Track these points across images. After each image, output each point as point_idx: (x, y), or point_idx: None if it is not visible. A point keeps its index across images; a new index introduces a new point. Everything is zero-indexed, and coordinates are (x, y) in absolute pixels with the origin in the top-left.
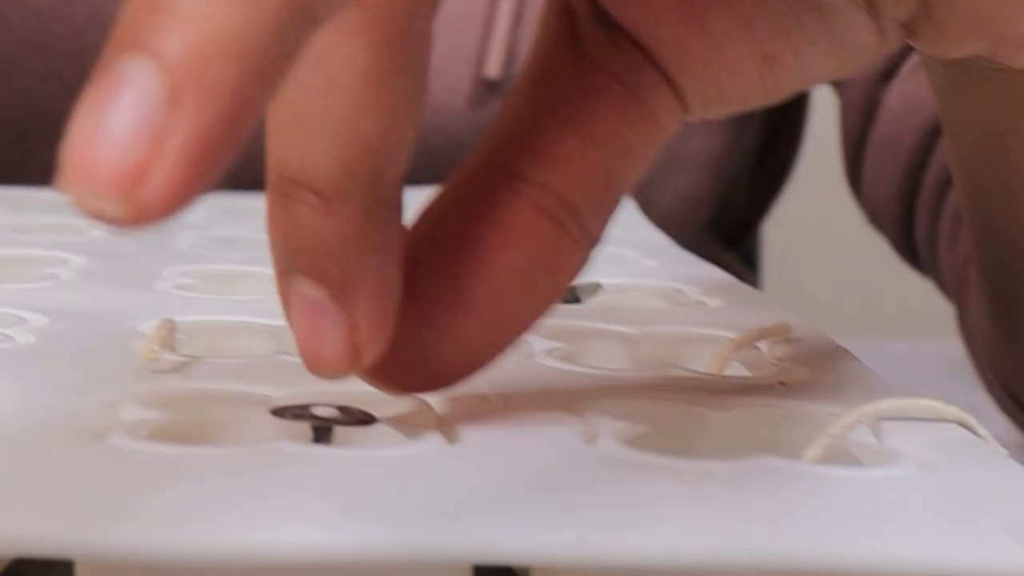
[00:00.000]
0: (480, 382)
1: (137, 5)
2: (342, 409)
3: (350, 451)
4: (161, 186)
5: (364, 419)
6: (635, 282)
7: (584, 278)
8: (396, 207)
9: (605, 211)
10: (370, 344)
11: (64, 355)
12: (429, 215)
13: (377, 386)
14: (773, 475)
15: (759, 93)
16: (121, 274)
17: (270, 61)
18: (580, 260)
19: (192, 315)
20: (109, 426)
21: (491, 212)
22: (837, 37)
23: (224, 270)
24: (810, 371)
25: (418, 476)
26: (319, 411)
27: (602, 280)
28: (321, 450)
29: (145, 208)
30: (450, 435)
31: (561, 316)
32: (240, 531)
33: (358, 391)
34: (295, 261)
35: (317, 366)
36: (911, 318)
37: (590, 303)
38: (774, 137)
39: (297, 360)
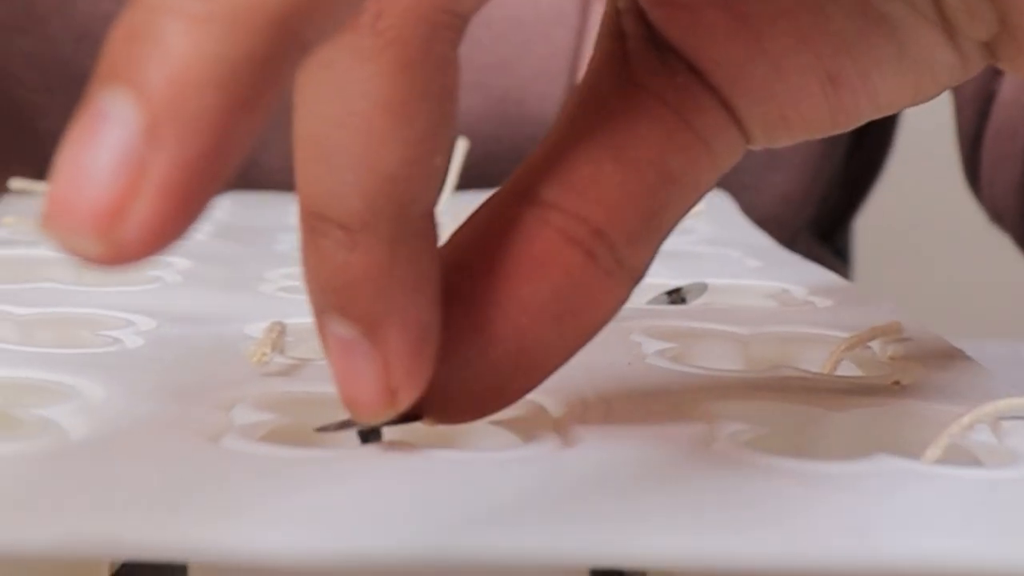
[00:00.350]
0: (585, 386)
1: (120, 35)
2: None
3: (467, 453)
4: (140, 224)
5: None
6: (741, 283)
7: (690, 279)
8: (428, 239)
9: (646, 243)
10: (405, 383)
11: (173, 358)
12: (457, 241)
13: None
14: (894, 476)
15: (825, 118)
16: (225, 277)
17: (255, 90)
18: (617, 294)
19: (298, 317)
20: (223, 429)
21: (517, 241)
22: (909, 58)
23: None
24: (924, 370)
25: (536, 478)
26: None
27: (707, 281)
28: (438, 452)
29: (124, 247)
30: (566, 438)
31: (670, 317)
32: (356, 534)
33: None
34: (327, 298)
35: (354, 407)
36: (1003, 318)
37: (696, 304)
38: (864, 132)
39: None
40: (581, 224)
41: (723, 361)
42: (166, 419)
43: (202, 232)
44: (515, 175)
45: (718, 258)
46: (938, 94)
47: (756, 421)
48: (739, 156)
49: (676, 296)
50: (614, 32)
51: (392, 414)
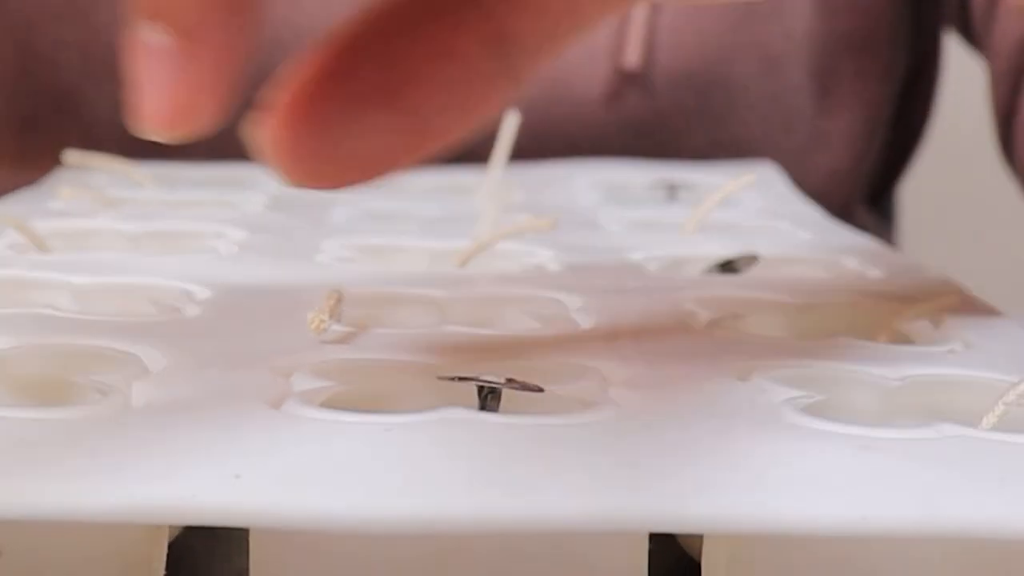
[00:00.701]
0: (637, 354)
1: None
2: (509, 380)
3: (524, 418)
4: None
5: (532, 388)
6: (792, 254)
7: (741, 251)
8: None
9: (539, 59)
10: (204, 101)
11: (232, 326)
12: (375, 6)
13: (287, 173)
14: (953, 443)
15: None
16: (281, 247)
17: None
18: (502, 97)
19: (354, 287)
20: (284, 395)
21: (435, 21)
22: None
23: (381, 243)
24: (978, 339)
25: (593, 445)
26: (488, 379)
27: (758, 253)
28: (494, 417)
29: None
30: (623, 406)
31: (724, 287)
32: (416, 498)
33: (525, 365)
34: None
35: (147, 119)
36: None
37: (748, 274)
38: (907, 99)
39: (461, 331)
40: (494, 27)
41: (777, 330)
42: (227, 386)
43: (255, 203)
44: None
45: (768, 230)
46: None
47: (811, 388)
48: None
49: (728, 267)
50: None
51: (182, 133)
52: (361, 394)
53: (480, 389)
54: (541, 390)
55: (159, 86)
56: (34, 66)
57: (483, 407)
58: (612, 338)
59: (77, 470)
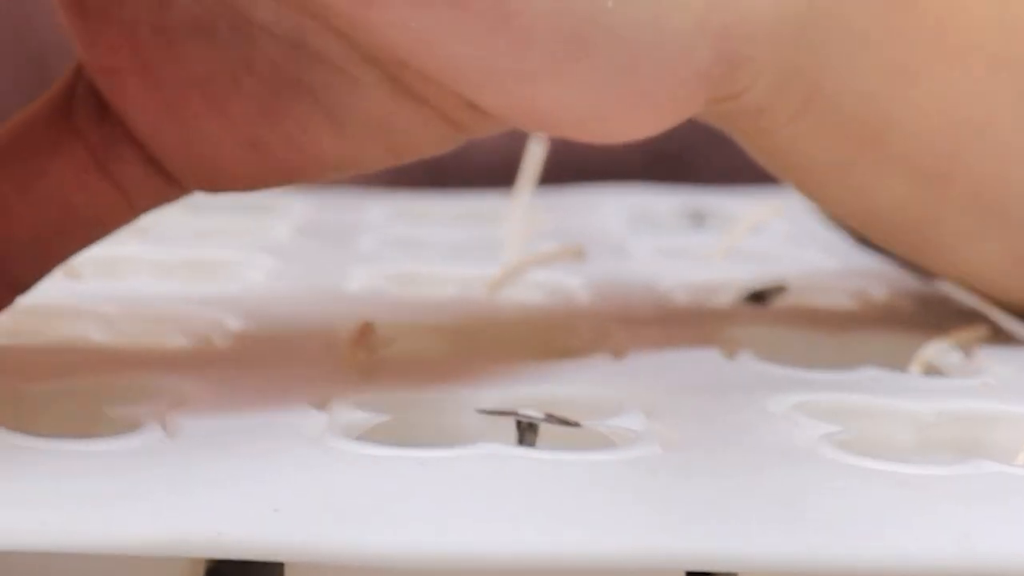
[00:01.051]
0: (674, 386)
1: None
2: (548, 414)
3: (562, 454)
4: None
5: (570, 423)
6: (819, 282)
7: (768, 278)
8: None
9: (39, 265)
10: None
11: (265, 357)
12: None
13: None
14: (991, 480)
15: (258, 176)
16: (310, 275)
17: None
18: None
19: (385, 315)
20: (320, 427)
21: None
22: (356, 122)
23: (410, 270)
24: (1011, 370)
25: (632, 481)
26: (525, 413)
27: (785, 282)
28: (533, 452)
29: None
30: (661, 440)
31: (754, 317)
32: (461, 533)
33: (563, 396)
34: None
35: None
36: None
37: (777, 304)
38: None
39: (498, 363)
40: None
41: (808, 361)
42: (263, 418)
43: (282, 230)
44: None
45: (795, 258)
46: (445, 149)
47: (845, 422)
48: (172, 198)
49: (757, 298)
50: (70, 76)
51: None
52: (397, 426)
53: (518, 423)
54: (579, 425)
55: None
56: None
57: (521, 441)
58: (646, 370)
59: (113, 503)
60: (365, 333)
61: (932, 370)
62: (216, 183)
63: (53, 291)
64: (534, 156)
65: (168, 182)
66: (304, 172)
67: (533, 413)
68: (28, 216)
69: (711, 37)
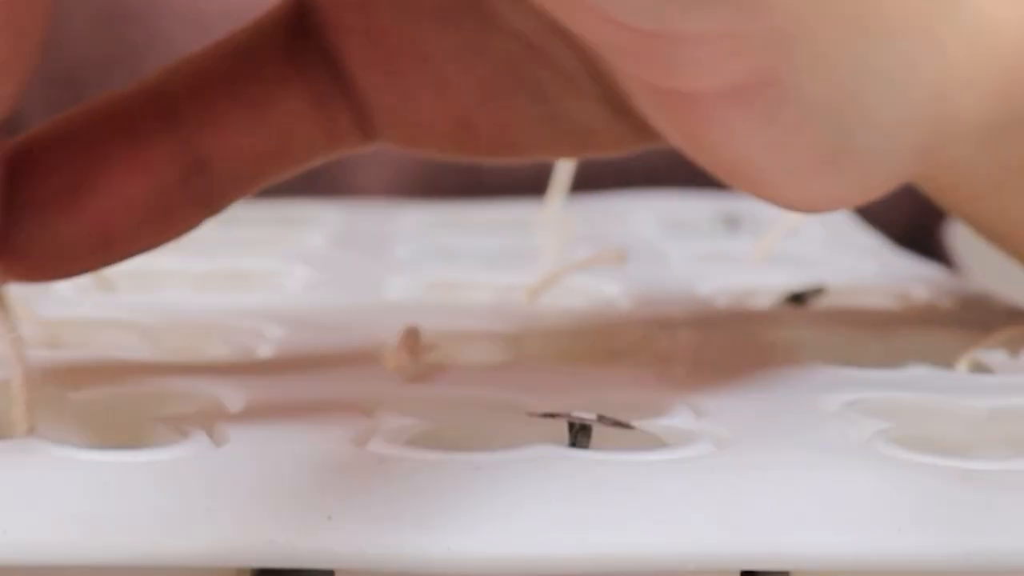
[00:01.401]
0: (722, 389)
1: None
2: (600, 416)
3: (617, 455)
4: None
5: (623, 424)
6: (858, 283)
7: (807, 281)
8: None
9: (240, 191)
10: None
11: (308, 365)
12: (75, 115)
13: None
14: None
15: (454, 149)
16: (348, 284)
17: None
18: (192, 222)
19: (427, 322)
20: (368, 433)
21: (131, 137)
22: (563, 122)
23: (447, 278)
24: None
25: (684, 481)
26: (578, 415)
27: (824, 283)
28: (584, 454)
29: None
30: (714, 439)
31: (797, 318)
32: (518, 537)
33: (614, 400)
34: None
35: None
36: None
37: (818, 305)
38: None
39: (539, 366)
40: (190, 151)
41: (853, 361)
42: (310, 425)
43: (317, 240)
44: (159, 74)
45: (832, 259)
46: (617, 154)
47: (901, 419)
48: (362, 148)
49: (797, 299)
50: (288, 13)
51: None
52: (446, 432)
53: (571, 425)
54: (632, 427)
55: None
56: None
57: (574, 443)
58: (693, 371)
59: (164, 513)
60: (410, 338)
61: (980, 368)
62: (414, 145)
63: (90, 304)
64: (566, 164)
65: (368, 135)
66: (498, 153)
67: (585, 415)
68: (250, 139)
69: (923, 132)
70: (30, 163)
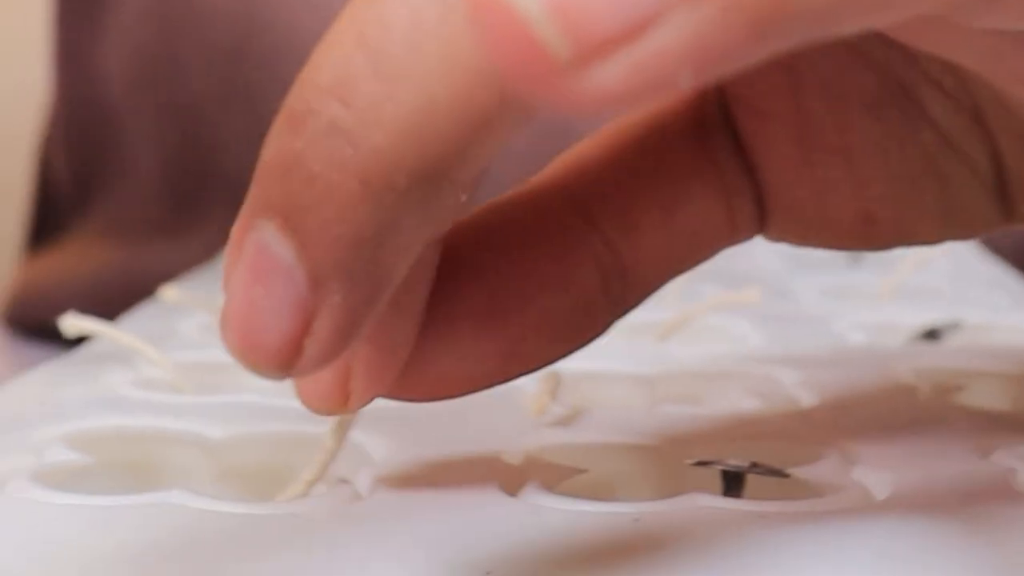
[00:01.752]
0: (870, 432)
1: (273, 163)
2: (753, 463)
3: (774, 505)
4: (312, 356)
5: (777, 472)
6: (994, 319)
7: (940, 316)
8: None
9: (645, 291)
10: (364, 389)
11: (448, 411)
12: (485, 215)
13: (361, 391)
14: None
15: (847, 242)
16: None
17: (413, 237)
18: (604, 327)
19: (561, 365)
20: (518, 481)
21: (550, 243)
22: (955, 213)
23: None
24: None
25: (844, 531)
26: (733, 463)
27: (959, 319)
28: (742, 504)
29: (299, 371)
30: (867, 487)
31: (938, 356)
32: None
33: (757, 446)
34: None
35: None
36: None
37: (956, 342)
38: None
39: (682, 411)
40: (614, 258)
41: (1002, 402)
42: (456, 473)
43: None
44: (559, 174)
45: (963, 294)
46: (972, 239)
47: None
48: (742, 241)
49: (932, 335)
50: (700, 93)
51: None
52: (593, 479)
53: (724, 473)
54: (787, 475)
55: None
56: (197, 148)
57: (727, 491)
58: (839, 414)
59: (315, 565)
60: (551, 382)
61: None
62: (807, 239)
63: (218, 344)
64: None
65: (762, 227)
66: (888, 246)
67: (739, 463)
68: (667, 239)
69: None
70: (452, 266)
